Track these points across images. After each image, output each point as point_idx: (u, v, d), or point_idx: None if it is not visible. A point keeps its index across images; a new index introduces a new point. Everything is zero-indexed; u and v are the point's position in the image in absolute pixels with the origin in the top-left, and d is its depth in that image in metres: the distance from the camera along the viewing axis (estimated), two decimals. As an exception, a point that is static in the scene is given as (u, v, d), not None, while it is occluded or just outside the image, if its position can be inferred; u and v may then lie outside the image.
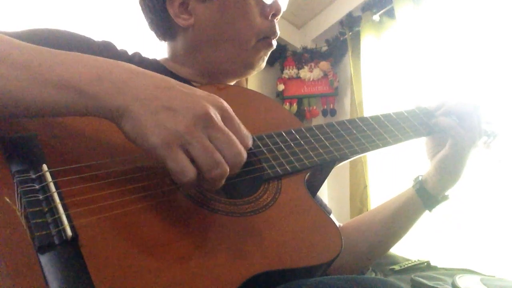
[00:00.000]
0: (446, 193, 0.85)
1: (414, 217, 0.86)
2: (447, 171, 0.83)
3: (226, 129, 0.49)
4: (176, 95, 0.48)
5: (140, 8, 0.86)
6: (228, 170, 0.48)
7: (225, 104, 0.51)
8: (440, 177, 0.84)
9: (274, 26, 0.83)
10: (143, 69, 0.51)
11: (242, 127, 0.52)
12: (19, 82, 0.45)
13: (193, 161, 0.47)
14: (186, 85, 0.51)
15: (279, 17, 0.85)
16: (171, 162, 0.46)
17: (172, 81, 0.51)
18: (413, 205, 0.85)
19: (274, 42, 0.85)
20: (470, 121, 0.83)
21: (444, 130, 0.83)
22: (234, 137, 0.49)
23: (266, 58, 0.87)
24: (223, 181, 0.49)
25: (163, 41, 0.89)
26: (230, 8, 0.79)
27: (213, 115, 0.48)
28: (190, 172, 0.46)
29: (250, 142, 0.52)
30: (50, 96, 0.46)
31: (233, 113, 0.51)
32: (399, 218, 0.86)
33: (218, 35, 0.80)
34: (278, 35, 0.85)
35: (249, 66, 0.84)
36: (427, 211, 0.86)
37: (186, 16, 0.80)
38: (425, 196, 0.84)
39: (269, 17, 0.82)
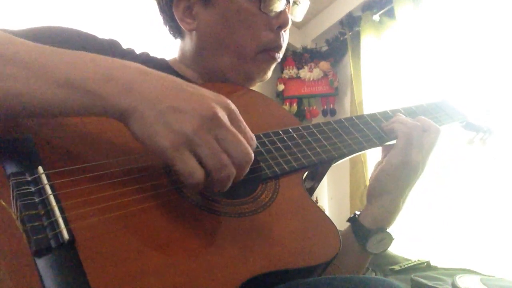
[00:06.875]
0: (386, 228, 0.72)
1: (349, 253, 0.72)
2: (379, 192, 0.73)
3: (234, 129, 0.49)
4: (184, 96, 0.48)
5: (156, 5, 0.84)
6: (235, 170, 0.48)
7: (232, 105, 0.51)
8: (371, 200, 0.73)
9: (278, 39, 0.78)
10: (152, 69, 0.51)
11: (247, 128, 0.52)
12: (26, 81, 0.45)
13: (200, 162, 0.47)
14: (193, 85, 0.51)
15: (287, 29, 0.79)
16: (180, 164, 0.46)
17: (180, 81, 0.51)
18: (347, 238, 0.73)
19: (278, 55, 0.80)
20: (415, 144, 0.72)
21: (394, 132, 0.74)
22: (241, 137, 0.49)
23: (269, 71, 0.82)
24: (230, 182, 0.49)
25: (177, 38, 0.87)
26: (231, 17, 0.76)
27: (220, 116, 0.48)
28: (197, 173, 0.47)
29: (254, 144, 0.52)
30: (57, 96, 0.46)
31: (239, 114, 0.51)
32: None
33: (219, 43, 0.78)
34: (282, 48, 0.80)
35: (249, 77, 0.80)
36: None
37: (190, 20, 0.78)
38: (355, 225, 0.73)
39: (275, 29, 0.77)
